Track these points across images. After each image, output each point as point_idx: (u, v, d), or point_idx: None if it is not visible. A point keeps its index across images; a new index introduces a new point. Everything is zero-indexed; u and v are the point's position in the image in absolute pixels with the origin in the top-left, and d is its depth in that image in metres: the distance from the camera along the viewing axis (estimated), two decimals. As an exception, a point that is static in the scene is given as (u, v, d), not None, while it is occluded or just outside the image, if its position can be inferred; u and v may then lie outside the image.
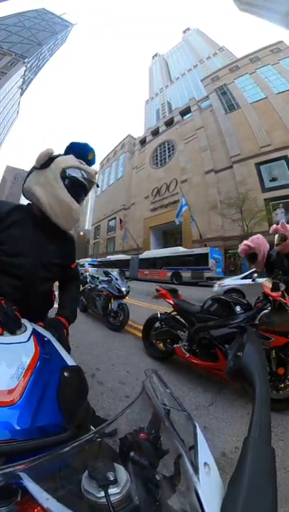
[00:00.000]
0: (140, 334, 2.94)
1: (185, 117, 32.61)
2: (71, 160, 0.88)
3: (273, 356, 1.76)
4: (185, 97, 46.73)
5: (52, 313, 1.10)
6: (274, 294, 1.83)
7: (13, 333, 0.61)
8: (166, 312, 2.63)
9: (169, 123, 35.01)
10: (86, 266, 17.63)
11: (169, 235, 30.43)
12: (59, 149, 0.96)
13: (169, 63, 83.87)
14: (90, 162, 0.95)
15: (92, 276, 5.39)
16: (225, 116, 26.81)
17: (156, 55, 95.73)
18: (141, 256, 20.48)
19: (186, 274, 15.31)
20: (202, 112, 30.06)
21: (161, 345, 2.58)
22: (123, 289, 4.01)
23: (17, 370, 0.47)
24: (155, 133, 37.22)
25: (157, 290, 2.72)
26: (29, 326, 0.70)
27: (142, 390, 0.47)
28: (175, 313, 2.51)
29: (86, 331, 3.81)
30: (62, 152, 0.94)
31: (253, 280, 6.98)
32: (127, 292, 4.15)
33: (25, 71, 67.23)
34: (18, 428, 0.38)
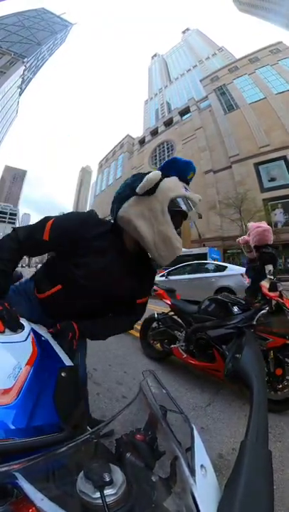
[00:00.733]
0: (138, 334, 2.94)
1: (184, 117, 32.77)
2: (178, 187, 0.80)
3: (271, 357, 1.76)
4: (184, 98, 46.98)
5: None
6: (272, 294, 1.84)
7: (14, 330, 0.61)
8: (163, 312, 2.63)
9: (168, 123, 35.14)
10: None
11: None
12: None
13: (169, 63, 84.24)
14: (188, 181, 0.89)
15: None
16: (224, 116, 27.00)
17: (155, 55, 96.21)
18: None
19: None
20: (201, 112, 30.23)
21: (158, 345, 2.58)
22: None
23: (14, 369, 0.47)
24: (154, 133, 37.32)
25: (154, 290, 2.73)
26: (27, 325, 0.70)
27: (139, 391, 0.47)
28: (172, 313, 2.50)
29: (84, 331, 3.83)
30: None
31: (166, 277, 7.23)
32: None
33: (24, 70, 67.19)
34: (13, 428, 0.38)
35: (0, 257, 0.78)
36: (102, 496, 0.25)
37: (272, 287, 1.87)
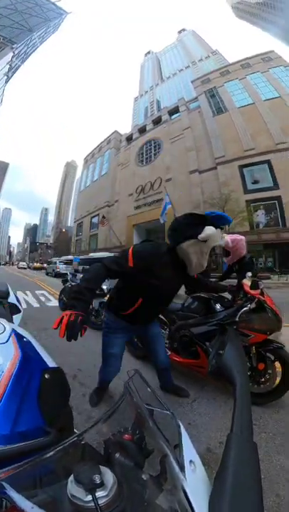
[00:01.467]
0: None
1: (173, 117, 32.90)
2: (218, 239, 1.20)
3: (253, 352, 1.83)
4: (174, 97, 47.30)
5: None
6: (253, 292, 1.91)
7: None
8: None
9: (157, 121, 35.07)
10: (57, 263, 19.03)
11: (152, 233, 30.62)
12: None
13: (162, 62, 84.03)
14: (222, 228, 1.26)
15: (73, 274, 5.25)
16: (212, 118, 27.54)
17: (149, 52, 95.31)
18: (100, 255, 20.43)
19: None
20: (190, 113, 30.57)
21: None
22: (104, 287, 3.97)
23: None
24: (142, 130, 37.07)
25: None
26: (8, 326, 0.67)
27: (124, 391, 0.47)
28: None
29: (67, 330, 3.74)
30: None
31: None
32: (109, 290, 4.12)
33: (12, 57, 63.33)
34: None
35: (95, 282, 1.15)
36: (94, 499, 0.25)
37: (254, 285, 1.95)
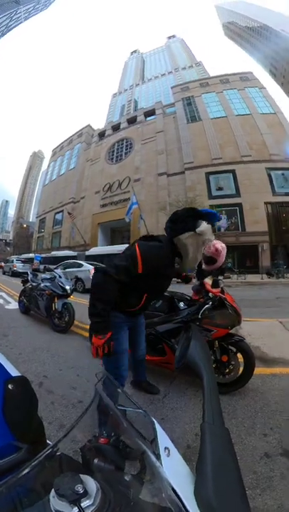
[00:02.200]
0: (87, 334, 2.85)
1: (148, 118, 33.23)
2: (211, 234, 1.29)
3: (217, 346, 1.96)
4: (152, 100, 47.96)
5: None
6: (214, 290, 2.06)
7: None
8: None
9: (132, 121, 34.92)
10: (14, 262, 17.98)
11: (117, 232, 30.53)
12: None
13: (146, 63, 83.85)
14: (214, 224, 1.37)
15: (34, 274, 4.90)
16: (186, 125, 28.73)
17: (135, 51, 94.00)
18: (87, 253, 19.77)
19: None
20: (165, 117, 31.33)
21: None
22: (67, 288, 3.80)
23: None
24: (116, 128, 36.46)
25: None
26: None
27: (94, 394, 0.47)
28: None
29: (29, 335, 3.47)
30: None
31: (53, 270, 8.86)
32: (72, 291, 3.96)
33: None
34: None
35: (110, 299, 1.23)
36: (81, 510, 0.24)
37: (215, 284, 2.10)
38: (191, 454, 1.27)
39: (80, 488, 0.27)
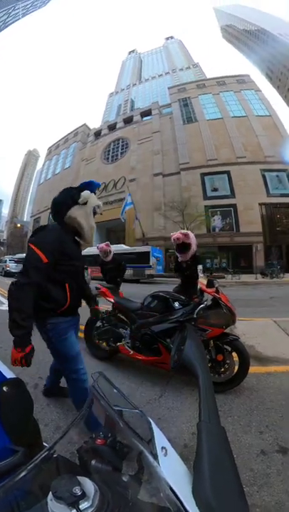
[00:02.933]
0: (81, 335, 2.83)
1: (144, 119, 33.26)
2: (96, 200, 1.42)
3: (212, 345, 1.97)
4: (149, 100, 48.16)
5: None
6: (209, 290, 2.07)
7: None
8: (106, 311, 2.60)
9: (128, 121, 34.86)
10: (8, 261, 17.84)
11: (113, 232, 30.43)
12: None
13: (143, 63, 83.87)
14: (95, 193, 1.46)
15: None
16: (182, 125, 28.90)
17: (133, 51, 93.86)
18: (83, 252, 19.68)
19: (128, 272, 15.67)
20: (162, 118, 31.44)
21: (104, 344, 2.52)
22: None
23: None
24: (112, 128, 36.33)
25: (97, 288, 2.66)
26: None
27: (90, 395, 0.47)
28: (116, 311, 2.51)
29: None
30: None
31: None
32: None
33: None
34: None
35: (27, 307, 1.19)
36: (79, 512, 0.24)
37: (209, 284, 2.12)
38: (188, 453, 1.27)
39: (77, 490, 0.27)
